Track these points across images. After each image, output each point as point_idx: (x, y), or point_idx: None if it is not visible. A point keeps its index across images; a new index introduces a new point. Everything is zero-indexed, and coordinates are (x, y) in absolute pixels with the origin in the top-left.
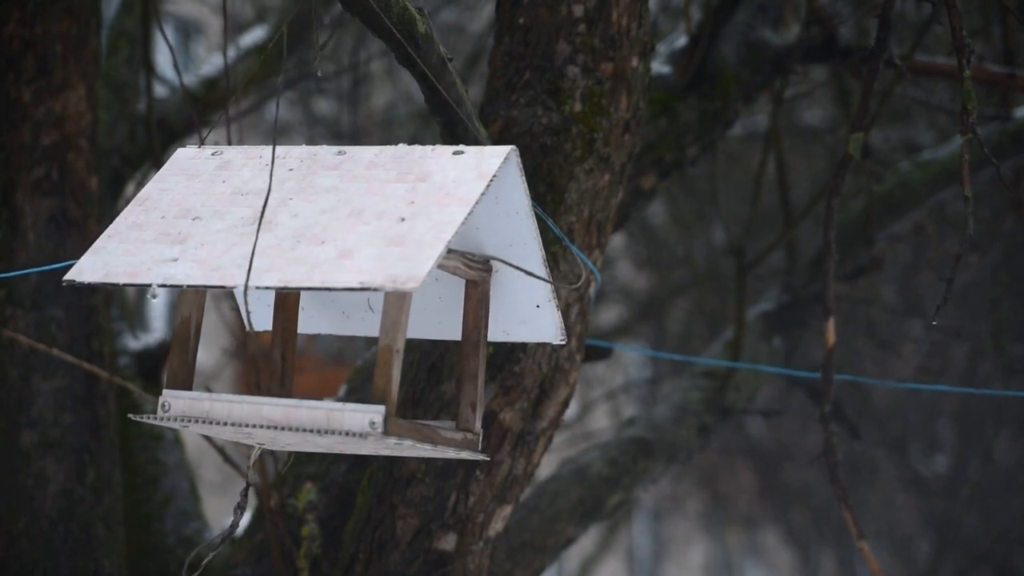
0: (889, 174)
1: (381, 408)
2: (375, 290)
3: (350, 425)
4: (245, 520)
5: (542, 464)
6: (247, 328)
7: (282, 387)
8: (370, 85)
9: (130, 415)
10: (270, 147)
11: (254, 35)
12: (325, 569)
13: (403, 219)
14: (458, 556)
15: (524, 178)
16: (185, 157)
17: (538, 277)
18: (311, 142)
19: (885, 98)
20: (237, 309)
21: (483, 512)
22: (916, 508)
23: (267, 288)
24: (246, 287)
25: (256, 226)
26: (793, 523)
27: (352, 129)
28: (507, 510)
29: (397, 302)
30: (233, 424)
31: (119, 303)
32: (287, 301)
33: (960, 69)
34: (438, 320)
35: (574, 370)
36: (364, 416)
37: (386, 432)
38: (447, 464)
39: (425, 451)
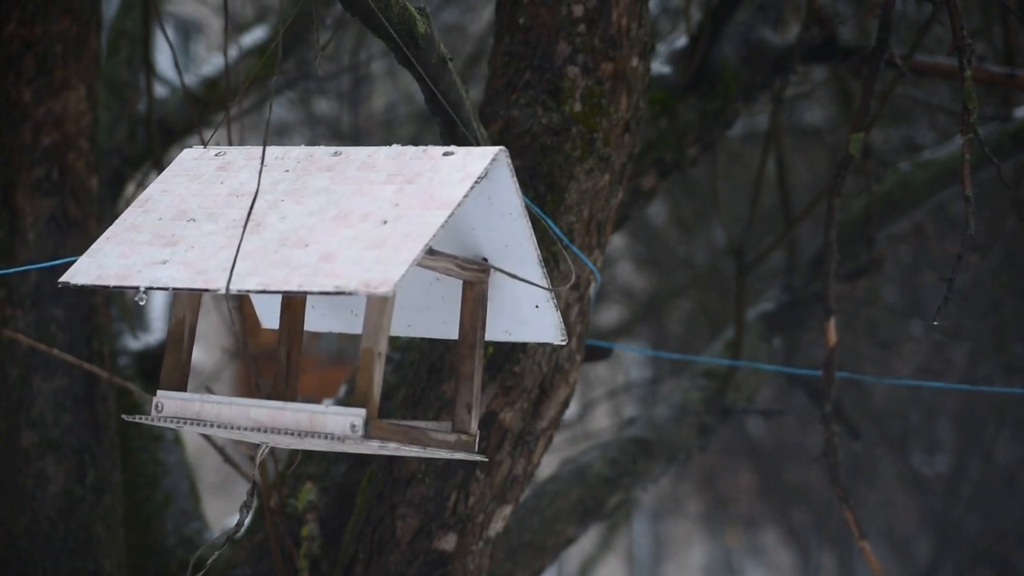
0: (889, 174)
1: (362, 411)
2: (350, 294)
3: (332, 428)
4: (245, 520)
5: (542, 464)
6: (231, 330)
7: (287, 386)
8: (371, 85)
9: (124, 416)
10: (270, 148)
11: (254, 35)
12: (325, 569)
13: (385, 222)
14: (458, 556)
15: (515, 179)
16: (189, 158)
17: (528, 282)
18: (312, 143)
19: (885, 98)
20: (238, 309)
21: (483, 512)
22: (916, 508)
23: (248, 292)
24: (227, 291)
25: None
26: (793, 523)
27: (353, 130)
28: (507, 510)
29: (379, 305)
30: (222, 426)
31: (119, 303)
32: (294, 300)
33: (960, 69)
34: (441, 320)
35: (574, 370)
36: (345, 419)
37: (367, 435)
38: (447, 464)
39: (415, 452)
